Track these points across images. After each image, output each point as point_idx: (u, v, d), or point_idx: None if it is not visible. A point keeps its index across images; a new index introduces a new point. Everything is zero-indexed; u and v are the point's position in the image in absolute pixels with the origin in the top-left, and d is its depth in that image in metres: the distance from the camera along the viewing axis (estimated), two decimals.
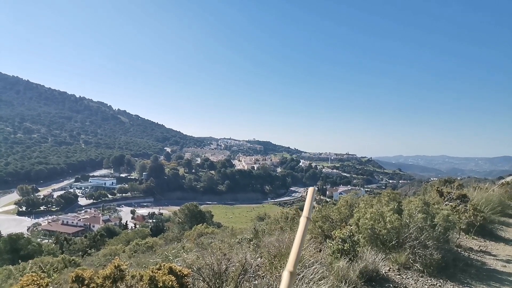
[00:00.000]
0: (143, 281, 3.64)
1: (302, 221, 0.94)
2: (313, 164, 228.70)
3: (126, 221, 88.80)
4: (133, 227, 72.46)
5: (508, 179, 16.08)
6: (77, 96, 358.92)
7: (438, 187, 10.64)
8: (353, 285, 4.73)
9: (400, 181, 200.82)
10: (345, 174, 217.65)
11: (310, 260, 5.15)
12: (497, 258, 6.88)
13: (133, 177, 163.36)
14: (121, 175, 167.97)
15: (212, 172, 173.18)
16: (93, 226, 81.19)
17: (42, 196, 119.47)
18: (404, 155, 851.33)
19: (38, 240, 50.28)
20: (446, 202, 9.02)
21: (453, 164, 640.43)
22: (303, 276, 4.50)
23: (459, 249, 7.12)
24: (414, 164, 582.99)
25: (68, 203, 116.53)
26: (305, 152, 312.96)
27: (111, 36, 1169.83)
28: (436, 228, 6.38)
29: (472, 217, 8.11)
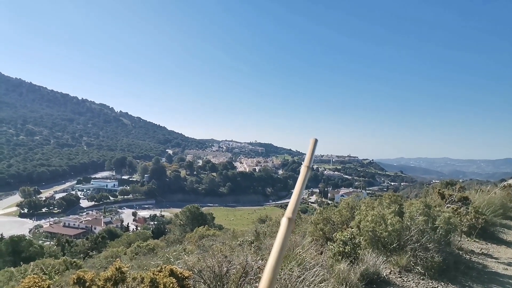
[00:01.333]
0: (144, 283, 3.65)
1: (303, 170, 0.96)
2: (315, 166, 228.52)
3: (128, 223, 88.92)
4: (135, 229, 72.52)
5: (511, 181, 16.03)
6: (79, 98, 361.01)
7: (439, 190, 10.63)
8: None
9: (401, 183, 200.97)
10: (346, 176, 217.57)
11: (311, 263, 5.16)
12: (499, 261, 6.86)
13: (134, 179, 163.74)
14: (123, 177, 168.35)
15: (214, 174, 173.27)
16: (95, 228, 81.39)
17: (44, 198, 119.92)
18: (406, 157, 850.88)
19: (40, 242, 50.33)
20: (448, 205, 9.01)
21: (455, 167, 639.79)
22: (304, 279, 4.50)
23: (460, 252, 7.10)
24: (416, 166, 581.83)
25: (70, 205, 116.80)
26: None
27: (113, 39, 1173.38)
28: (438, 230, 6.37)
29: (473, 220, 8.09)
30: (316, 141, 1.04)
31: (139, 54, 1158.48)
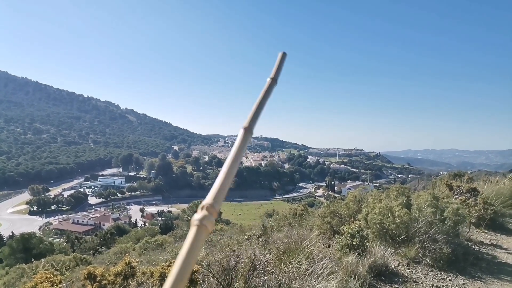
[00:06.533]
0: (153, 278, 3.69)
1: (268, 81, 0.95)
2: (321, 160, 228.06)
3: (136, 219, 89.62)
4: (143, 225, 73.00)
5: None
6: (85, 96, 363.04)
7: (447, 181, 10.57)
8: (362, 280, 4.74)
9: (409, 176, 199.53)
10: (353, 169, 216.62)
11: (318, 256, 5.17)
12: (508, 251, 6.82)
13: (141, 176, 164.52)
14: (130, 173, 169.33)
15: (220, 169, 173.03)
16: (103, 225, 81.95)
17: (52, 196, 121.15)
18: (413, 150, 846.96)
19: (50, 239, 50.97)
20: (456, 196, 8.95)
21: (463, 158, 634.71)
22: (312, 272, 4.52)
23: (469, 243, 7.07)
24: (423, 158, 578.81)
25: (78, 202, 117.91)
26: (313, 148, 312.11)
27: (117, 36, 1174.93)
28: (446, 222, 6.34)
29: (482, 211, 8.04)
30: (284, 54, 1.00)
31: (143, 51, 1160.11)
